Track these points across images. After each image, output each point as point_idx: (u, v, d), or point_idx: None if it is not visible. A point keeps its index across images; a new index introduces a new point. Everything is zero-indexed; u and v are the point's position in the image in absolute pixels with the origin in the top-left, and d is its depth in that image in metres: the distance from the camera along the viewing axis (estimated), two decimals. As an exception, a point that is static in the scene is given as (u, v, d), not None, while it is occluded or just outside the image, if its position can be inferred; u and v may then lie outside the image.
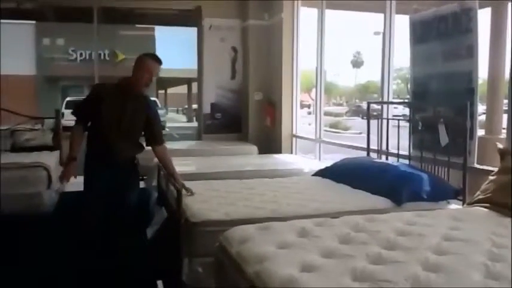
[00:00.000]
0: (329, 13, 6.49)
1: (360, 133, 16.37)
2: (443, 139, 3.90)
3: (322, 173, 4.45)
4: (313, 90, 6.90)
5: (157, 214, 3.94)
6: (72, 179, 3.35)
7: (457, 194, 3.62)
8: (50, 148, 6.75)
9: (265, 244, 2.26)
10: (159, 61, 3.35)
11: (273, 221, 2.83)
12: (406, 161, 4.34)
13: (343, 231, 2.41)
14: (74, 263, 3.54)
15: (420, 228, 2.46)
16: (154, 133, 3.48)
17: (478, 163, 3.75)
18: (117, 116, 3.26)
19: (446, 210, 3.27)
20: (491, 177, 3.11)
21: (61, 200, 5.87)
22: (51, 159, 6.06)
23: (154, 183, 4.88)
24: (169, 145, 6.31)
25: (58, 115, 7.19)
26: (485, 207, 2.92)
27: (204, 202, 3.37)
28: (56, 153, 6.71)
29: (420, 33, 4.38)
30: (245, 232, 2.46)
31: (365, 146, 5.07)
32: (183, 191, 3.36)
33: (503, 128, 7.76)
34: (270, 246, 2.24)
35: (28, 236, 4.45)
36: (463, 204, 3.49)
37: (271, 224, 2.56)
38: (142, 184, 6.17)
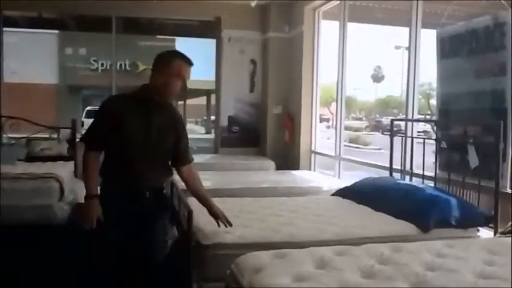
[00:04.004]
0: (349, 26, 6.32)
1: (380, 149, 16.04)
2: (473, 161, 3.66)
3: (342, 193, 4.24)
4: (333, 104, 6.71)
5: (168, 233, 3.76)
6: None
7: (488, 221, 3.37)
8: (65, 158, 6.66)
9: (280, 275, 2.07)
10: (190, 63, 2.66)
11: (290, 246, 2.66)
12: (431, 183, 4.09)
13: (366, 262, 2.20)
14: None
15: (452, 262, 2.23)
16: (183, 150, 2.78)
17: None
18: (142, 134, 2.57)
19: (479, 240, 3.03)
20: (527, 205, 2.87)
21: (73, 212, 5.75)
22: (65, 170, 5.95)
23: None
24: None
25: (74, 125, 7.11)
26: (522, 238, 2.68)
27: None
28: (71, 164, 6.61)
29: (448, 48, 4.18)
30: (259, 260, 2.27)
31: (386, 163, 4.84)
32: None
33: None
34: (285, 278, 2.05)
35: (34, 247, 4.34)
36: (494, 232, 3.25)
37: (288, 252, 2.36)
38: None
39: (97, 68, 27.50)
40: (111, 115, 2.57)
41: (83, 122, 22.24)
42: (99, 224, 2.58)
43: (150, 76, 2.61)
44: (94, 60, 27.30)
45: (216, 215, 2.81)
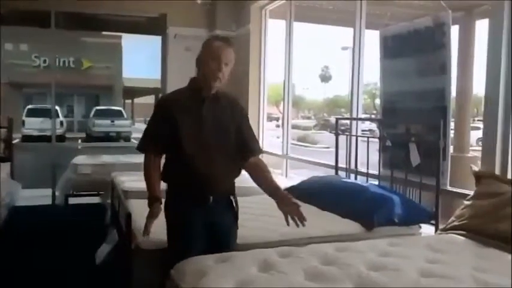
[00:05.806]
0: (298, 26, 6.33)
1: (328, 147, 16.32)
2: (415, 159, 3.73)
3: (288, 192, 4.20)
4: (282, 103, 6.70)
5: (108, 236, 3.61)
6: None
7: (430, 217, 3.43)
8: (1, 159, 6.32)
9: (222, 280, 1.99)
10: (229, 44, 2.54)
11: (238, 248, 2.56)
12: (376, 181, 4.14)
13: (310, 263, 2.17)
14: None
15: (395, 260, 2.23)
16: (245, 142, 2.56)
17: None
18: (197, 130, 2.41)
19: (421, 238, 3.08)
20: (466, 202, 2.93)
21: (9, 215, 5.48)
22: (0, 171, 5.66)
23: (109, 200, 4.55)
24: (132, 159, 6.00)
25: (11, 124, 6.78)
26: (461, 234, 2.73)
27: (159, 225, 3.06)
28: (7, 165, 6.30)
29: (391, 48, 4.23)
30: (201, 265, 2.18)
31: (333, 162, 4.86)
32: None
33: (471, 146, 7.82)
34: (228, 283, 1.97)
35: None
36: (435, 229, 3.30)
37: (231, 255, 2.29)
38: (98, 200, 5.87)
39: (39, 65, 26.30)
40: (164, 114, 2.45)
41: (23, 121, 21.33)
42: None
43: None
44: (36, 57, 26.10)
45: (286, 210, 2.45)
